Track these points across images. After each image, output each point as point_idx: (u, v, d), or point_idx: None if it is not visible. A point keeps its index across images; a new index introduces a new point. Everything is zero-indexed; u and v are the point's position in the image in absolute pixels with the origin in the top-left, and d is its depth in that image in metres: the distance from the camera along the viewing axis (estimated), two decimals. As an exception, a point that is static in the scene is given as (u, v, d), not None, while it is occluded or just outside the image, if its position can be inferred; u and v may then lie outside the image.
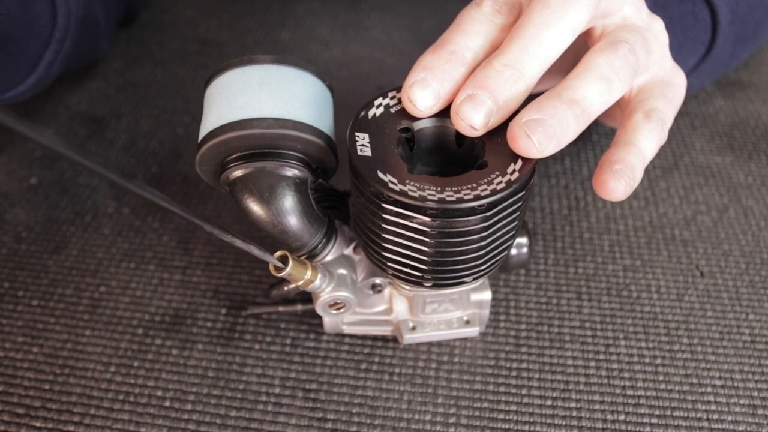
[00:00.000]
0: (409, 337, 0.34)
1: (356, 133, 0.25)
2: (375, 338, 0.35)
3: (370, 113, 0.26)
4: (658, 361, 0.34)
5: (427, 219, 0.23)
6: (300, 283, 0.28)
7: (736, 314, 0.36)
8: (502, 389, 0.33)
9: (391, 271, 0.27)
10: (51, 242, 0.41)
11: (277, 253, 0.27)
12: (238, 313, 0.37)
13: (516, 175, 0.24)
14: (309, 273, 0.28)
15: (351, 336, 0.36)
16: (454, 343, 0.35)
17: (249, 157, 0.27)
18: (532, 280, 0.38)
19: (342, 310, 0.31)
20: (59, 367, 0.34)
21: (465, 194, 0.23)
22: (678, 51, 0.39)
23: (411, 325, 0.34)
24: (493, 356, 0.35)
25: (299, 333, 0.36)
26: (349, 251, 0.31)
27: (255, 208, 0.27)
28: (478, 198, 0.23)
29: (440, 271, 0.26)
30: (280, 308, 0.36)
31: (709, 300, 0.37)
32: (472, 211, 0.23)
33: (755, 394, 0.33)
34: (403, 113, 0.26)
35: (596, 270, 0.39)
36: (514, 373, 0.34)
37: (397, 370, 0.34)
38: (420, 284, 0.27)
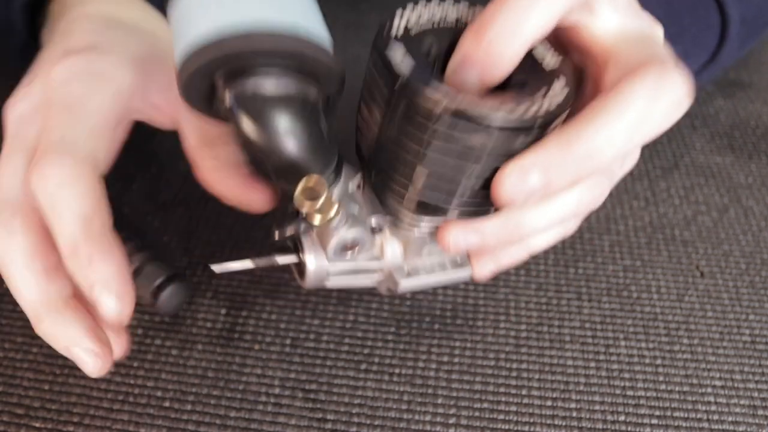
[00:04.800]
0: (405, 284, 0.30)
1: (390, 45, 0.24)
2: (375, 338, 0.35)
3: (399, 25, 0.25)
4: (659, 361, 0.34)
5: (485, 136, 0.22)
6: (321, 219, 0.25)
7: (737, 315, 0.36)
8: (502, 390, 0.33)
9: (418, 203, 0.25)
10: (51, 242, 0.41)
11: (314, 177, 0.24)
12: (238, 313, 0.37)
13: (564, 92, 0.23)
14: (336, 207, 0.25)
15: (351, 336, 0.36)
16: (454, 343, 0.35)
17: (246, 74, 0.23)
18: (532, 280, 0.38)
19: (355, 252, 0.29)
20: (59, 367, 0.34)
21: (527, 109, 0.22)
22: (682, 58, 0.38)
23: (406, 269, 0.30)
24: (493, 356, 0.35)
25: (299, 333, 0.36)
26: (353, 188, 0.28)
27: (260, 136, 0.23)
28: (539, 114, 0.22)
29: (471, 201, 0.25)
30: (254, 262, 0.30)
31: (709, 300, 0.37)
32: (529, 128, 0.22)
33: (755, 394, 0.33)
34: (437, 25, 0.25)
35: (596, 270, 0.39)
36: (514, 374, 0.34)
37: (396, 371, 0.34)
38: (444, 214, 0.26)
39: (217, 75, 0.23)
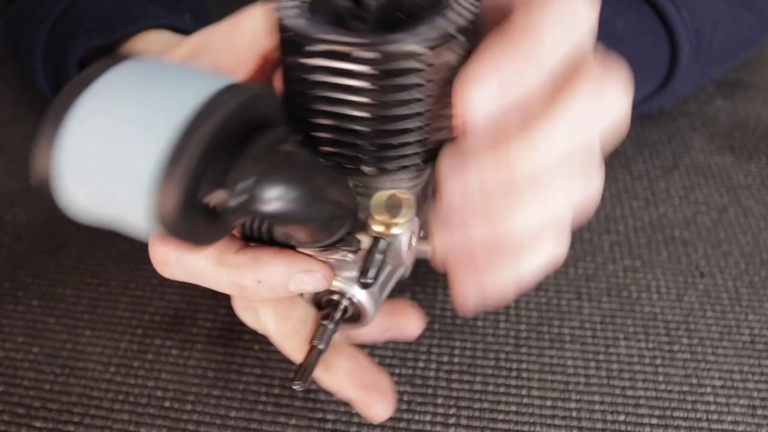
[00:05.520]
0: (409, 263, 0.28)
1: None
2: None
3: None
4: (658, 361, 0.34)
5: (363, 67, 0.21)
6: (399, 227, 0.23)
7: (736, 315, 0.36)
8: (502, 390, 0.33)
9: (327, 151, 0.24)
10: (51, 242, 0.41)
11: (389, 192, 0.23)
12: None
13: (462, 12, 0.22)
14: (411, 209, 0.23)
15: (351, 336, 0.36)
16: (454, 343, 0.35)
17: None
18: (532, 280, 0.38)
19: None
20: (59, 367, 0.34)
21: (408, 35, 0.21)
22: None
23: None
24: (493, 356, 0.35)
25: (299, 333, 0.36)
26: None
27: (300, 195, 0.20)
28: (422, 37, 0.21)
29: (383, 144, 0.24)
30: (321, 344, 0.28)
31: (708, 300, 0.37)
32: (416, 57, 0.21)
33: (755, 394, 0.33)
34: None
35: (596, 270, 0.39)
36: (514, 374, 0.34)
37: (396, 371, 0.34)
38: (357, 163, 0.24)
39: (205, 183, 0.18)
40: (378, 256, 0.24)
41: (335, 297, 0.28)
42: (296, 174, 0.20)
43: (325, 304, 0.29)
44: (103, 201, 0.18)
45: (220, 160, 0.18)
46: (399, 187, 0.25)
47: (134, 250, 0.40)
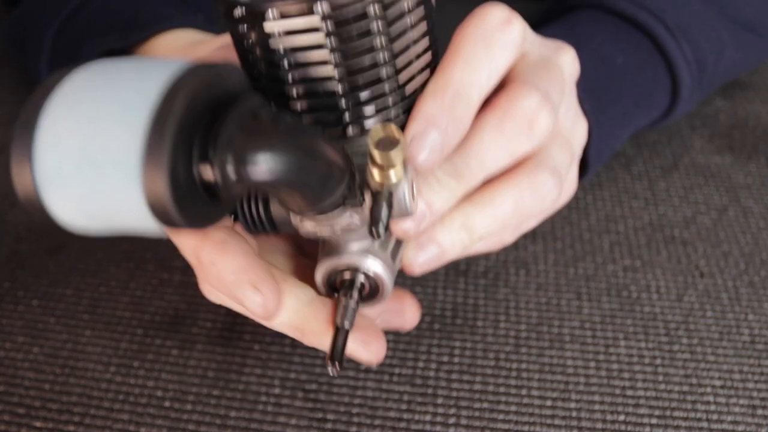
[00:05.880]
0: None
1: None
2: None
3: None
4: (658, 361, 0.34)
5: (319, 20, 0.21)
6: (397, 172, 0.23)
7: (736, 315, 0.36)
8: (502, 390, 0.33)
9: (307, 119, 0.24)
10: (51, 242, 0.41)
11: (381, 126, 0.22)
12: (238, 313, 0.37)
13: None
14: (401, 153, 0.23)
15: (351, 336, 0.36)
16: (454, 343, 0.35)
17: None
18: (532, 280, 0.38)
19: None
20: (59, 367, 0.34)
21: None
22: (622, 119, 0.38)
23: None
24: (493, 356, 0.35)
25: (299, 333, 0.36)
26: None
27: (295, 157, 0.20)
28: None
29: (358, 100, 0.23)
30: (346, 323, 0.27)
31: (708, 300, 0.37)
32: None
33: (755, 394, 0.33)
34: None
35: (596, 270, 0.39)
36: (514, 374, 0.34)
37: (396, 371, 0.34)
38: (339, 125, 0.24)
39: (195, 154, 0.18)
40: (384, 205, 0.24)
41: (348, 275, 0.27)
42: (279, 135, 0.19)
43: (339, 285, 0.28)
44: (93, 204, 0.18)
45: (200, 138, 0.18)
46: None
47: (134, 250, 0.40)
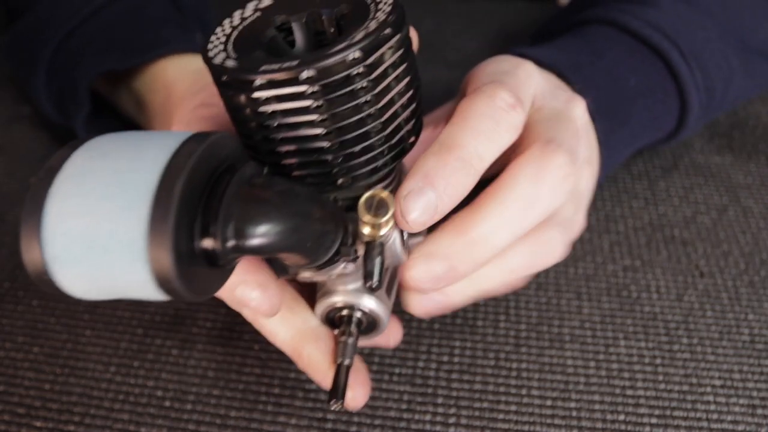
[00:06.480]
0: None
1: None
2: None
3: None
4: (658, 361, 0.34)
5: (306, 86, 0.22)
6: (388, 228, 0.24)
7: (736, 314, 0.36)
8: (502, 389, 0.33)
9: (297, 175, 0.25)
10: (51, 242, 0.41)
11: (375, 191, 0.24)
12: (238, 313, 0.37)
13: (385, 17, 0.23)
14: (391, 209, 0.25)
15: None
16: (454, 343, 0.35)
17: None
18: (532, 280, 0.38)
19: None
20: (59, 367, 0.34)
21: (341, 45, 0.22)
22: (628, 140, 0.39)
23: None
24: (493, 356, 0.35)
25: (299, 333, 0.36)
26: None
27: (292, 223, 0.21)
28: (353, 43, 0.21)
29: (347, 154, 0.24)
30: (347, 360, 0.28)
31: (708, 300, 0.37)
32: (352, 62, 0.22)
33: (754, 394, 0.33)
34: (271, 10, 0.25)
35: (596, 270, 0.39)
36: (514, 373, 0.34)
37: (396, 371, 0.34)
38: (329, 179, 0.25)
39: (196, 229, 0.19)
40: (377, 258, 0.25)
41: (345, 312, 0.28)
42: (275, 202, 0.21)
43: (338, 321, 0.29)
44: (102, 281, 0.19)
45: (201, 212, 0.19)
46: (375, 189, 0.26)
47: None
